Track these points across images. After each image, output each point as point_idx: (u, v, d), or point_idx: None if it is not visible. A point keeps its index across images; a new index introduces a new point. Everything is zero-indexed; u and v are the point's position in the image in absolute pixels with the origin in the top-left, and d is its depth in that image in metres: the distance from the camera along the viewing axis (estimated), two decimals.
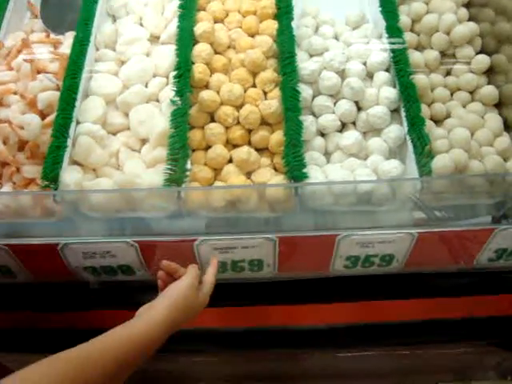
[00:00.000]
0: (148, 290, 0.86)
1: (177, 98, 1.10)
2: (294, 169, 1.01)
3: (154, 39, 1.28)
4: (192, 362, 1.37)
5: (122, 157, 1.13)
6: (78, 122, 1.13)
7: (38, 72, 1.19)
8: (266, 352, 1.28)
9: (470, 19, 1.28)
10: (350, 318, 1.20)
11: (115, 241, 0.96)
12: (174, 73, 1.13)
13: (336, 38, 1.29)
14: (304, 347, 1.28)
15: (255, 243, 0.95)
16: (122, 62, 1.23)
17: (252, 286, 1.07)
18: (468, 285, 1.14)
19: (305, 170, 1.01)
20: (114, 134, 1.17)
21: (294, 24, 1.24)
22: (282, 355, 1.36)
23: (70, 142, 1.08)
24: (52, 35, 1.32)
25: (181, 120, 1.08)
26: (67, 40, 1.27)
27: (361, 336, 1.26)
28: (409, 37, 1.26)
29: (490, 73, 1.24)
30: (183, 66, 1.13)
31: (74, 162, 1.10)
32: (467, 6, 1.30)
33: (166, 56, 1.21)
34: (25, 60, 1.19)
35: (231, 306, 1.12)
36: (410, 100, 1.11)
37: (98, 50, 1.26)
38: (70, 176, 1.05)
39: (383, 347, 1.35)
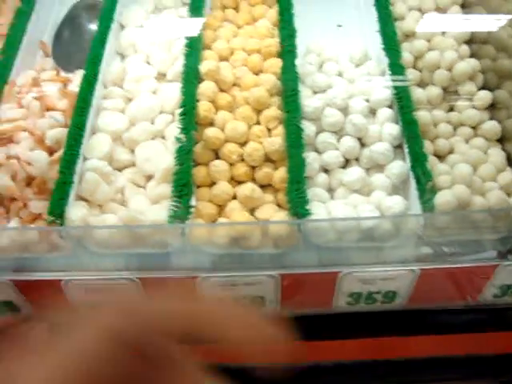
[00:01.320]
0: None
1: (182, 136, 1.11)
2: (297, 205, 1.02)
3: (161, 77, 1.30)
4: None
5: (127, 193, 1.14)
6: (84, 159, 1.15)
7: (47, 109, 1.22)
8: None
9: (472, 56, 1.29)
10: (354, 355, 1.19)
11: (119, 277, 0.97)
12: (180, 110, 1.15)
13: (340, 74, 1.31)
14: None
15: (257, 280, 0.96)
16: (129, 100, 1.26)
17: None
18: (473, 321, 1.13)
19: (308, 207, 1.02)
20: (120, 170, 1.19)
21: (298, 61, 1.27)
22: None
23: (76, 178, 1.10)
24: (62, 73, 1.35)
25: (185, 157, 1.09)
26: (76, 78, 1.30)
27: (366, 373, 1.25)
28: (411, 73, 1.28)
29: (492, 108, 1.25)
30: (188, 104, 1.15)
31: (81, 198, 1.11)
32: (468, 42, 1.32)
33: (172, 93, 1.23)
34: (34, 98, 1.22)
35: None
36: (412, 136, 1.13)
37: (106, 87, 1.28)
38: (75, 212, 1.06)
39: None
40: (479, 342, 1.16)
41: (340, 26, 1.45)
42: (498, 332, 1.15)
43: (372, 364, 1.20)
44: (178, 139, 1.11)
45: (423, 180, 1.07)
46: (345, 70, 1.30)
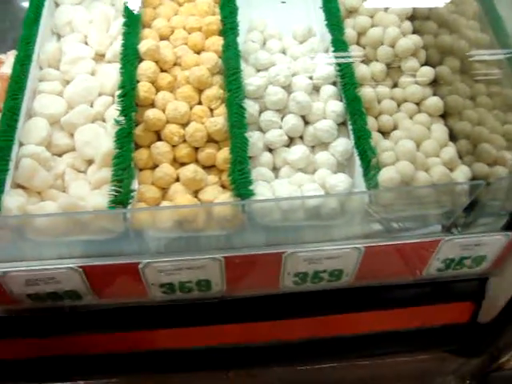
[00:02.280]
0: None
1: (121, 118, 1.08)
2: (240, 186, 1.00)
3: (100, 57, 1.26)
4: None
5: (67, 178, 1.11)
6: (21, 144, 1.10)
7: None
8: (223, 371, 1.26)
9: (414, 32, 1.29)
10: (307, 332, 1.19)
11: (59, 267, 0.94)
12: (119, 92, 1.11)
13: (283, 52, 1.29)
14: (262, 363, 1.27)
15: (200, 264, 0.94)
16: (67, 82, 1.21)
17: (202, 306, 1.06)
18: (420, 295, 1.15)
19: (251, 187, 1.01)
20: (60, 155, 1.14)
21: (240, 39, 1.24)
22: (242, 372, 1.35)
23: (12, 165, 1.05)
24: None
25: (125, 140, 1.06)
26: (9, 59, 1.25)
27: (320, 350, 1.26)
28: (355, 50, 1.27)
29: (435, 84, 1.26)
30: (128, 85, 1.11)
31: (18, 186, 1.07)
32: (411, 18, 1.31)
33: (112, 74, 1.19)
34: None
35: (186, 327, 1.10)
36: (355, 113, 1.12)
37: (41, 69, 1.23)
38: (12, 200, 1.02)
39: (342, 360, 1.35)
40: (425, 314, 1.18)
41: (284, 2, 1.43)
42: (443, 304, 1.17)
43: (322, 341, 1.21)
44: (117, 122, 1.08)
45: (367, 157, 1.07)
46: (288, 47, 1.28)
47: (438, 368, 1.51)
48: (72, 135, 1.15)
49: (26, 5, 1.32)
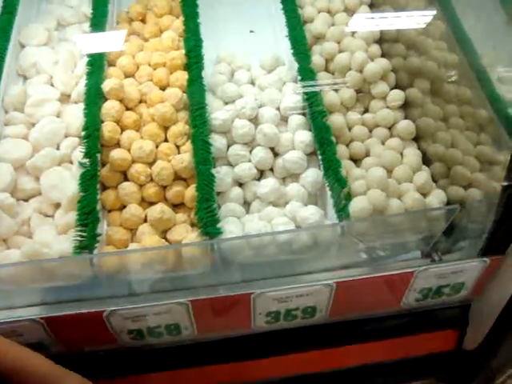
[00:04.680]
0: None
1: (85, 160, 1.06)
2: (208, 225, 0.98)
3: (65, 98, 1.24)
4: None
5: (33, 224, 1.08)
6: None
7: None
8: None
9: (383, 55, 1.28)
10: (288, 370, 1.16)
11: (20, 319, 0.91)
12: (83, 133, 1.10)
13: (252, 82, 1.28)
14: None
15: (167, 309, 0.91)
16: (32, 125, 1.19)
17: (172, 350, 1.03)
18: (401, 326, 1.12)
19: (219, 225, 0.98)
20: (26, 200, 1.12)
21: (208, 71, 1.23)
22: None
23: None
24: None
25: (90, 183, 1.04)
26: None
27: None
28: (323, 77, 1.26)
29: (406, 107, 1.24)
30: (91, 126, 1.10)
31: None
32: (379, 42, 1.30)
33: (77, 115, 1.17)
34: None
35: (159, 371, 1.07)
36: (324, 142, 1.10)
37: (6, 113, 1.21)
38: None
39: None
40: (409, 344, 1.15)
41: (252, 31, 1.42)
42: (426, 333, 1.14)
43: (305, 378, 1.18)
44: (81, 164, 1.06)
45: (337, 187, 1.04)
46: (257, 77, 1.26)
47: None
48: (38, 179, 1.12)
49: None
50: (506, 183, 0.92)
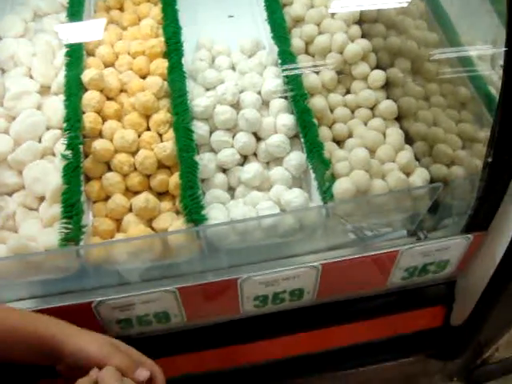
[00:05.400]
0: None
1: (68, 152, 1.05)
2: (193, 212, 0.98)
3: (45, 90, 1.23)
4: None
5: (18, 218, 1.08)
6: None
7: None
8: None
9: (363, 36, 1.28)
10: (280, 353, 1.17)
11: None
12: (64, 125, 1.09)
13: (233, 67, 1.27)
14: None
15: (155, 297, 0.92)
16: (13, 118, 1.18)
17: (162, 338, 1.03)
18: (388, 304, 1.13)
19: (204, 212, 0.99)
20: (10, 194, 1.12)
21: (189, 58, 1.22)
22: None
23: None
24: None
25: (73, 174, 1.04)
26: None
27: (298, 367, 1.24)
28: (304, 59, 1.25)
29: (387, 87, 1.24)
30: (72, 117, 1.09)
31: None
32: (359, 23, 1.30)
33: (58, 107, 1.16)
34: None
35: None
36: (306, 125, 1.10)
37: None
38: None
39: (323, 373, 1.33)
40: (397, 323, 1.17)
41: (231, 16, 1.41)
42: (413, 311, 1.15)
43: (297, 359, 1.19)
44: (63, 156, 1.05)
45: (321, 169, 1.05)
46: (237, 62, 1.26)
47: (423, 369, 1.49)
48: (21, 173, 1.12)
49: None
50: (488, 160, 0.93)
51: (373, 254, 0.98)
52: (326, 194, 1.03)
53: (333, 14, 1.31)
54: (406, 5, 1.26)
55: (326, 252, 1.05)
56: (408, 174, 1.12)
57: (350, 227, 1.07)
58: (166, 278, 0.97)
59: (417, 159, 1.15)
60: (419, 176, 1.11)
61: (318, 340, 1.14)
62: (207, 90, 1.21)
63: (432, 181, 1.12)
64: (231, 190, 1.12)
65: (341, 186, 1.03)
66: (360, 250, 1.00)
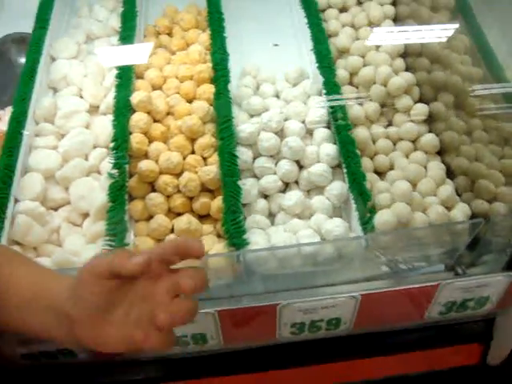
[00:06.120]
0: None
1: (114, 171, 1.08)
2: (234, 236, 0.99)
3: (94, 110, 1.27)
4: None
5: (62, 233, 1.11)
6: (16, 201, 1.11)
7: None
8: None
9: (407, 69, 1.29)
10: (310, 381, 1.17)
11: None
12: (112, 144, 1.12)
13: (277, 95, 1.29)
14: None
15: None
16: (62, 136, 1.22)
17: (198, 360, 1.04)
18: (424, 339, 1.12)
19: (245, 237, 1.00)
20: (55, 209, 1.15)
21: (234, 84, 1.25)
22: None
23: (8, 222, 1.06)
24: None
25: (118, 193, 1.06)
26: (6, 115, 1.26)
27: None
28: (348, 90, 1.27)
29: (429, 121, 1.25)
30: (120, 137, 1.12)
31: (14, 242, 1.07)
32: (403, 56, 1.31)
33: (106, 126, 1.20)
34: None
35: (180, 381, 1.08)
36: (349, 155, 1.11)
37: (37, 124, 1.24)
38: None
39: None
40: (432, 358, 1.15)
41: (276, 45, 1.44)
42: (449, 347, 1.14)
43: None
44: (110, 175, 1.08)
45: (362, 201, 1.05)
46: (281, 91, 1.28)
47: None
48: (67, 189, 1.15)
49: (23, 60, 1.34)
50: None
51: (412, 286, 0.98)
52: (367, 224, 1.03)
53: (377, 47, 1.32)
54: (450, 39, 1.28)
55: (364, 283, 1.04)
56: (449, 209, 1.11)
57: (385, 259, 1.07)
58: (201, 299, 0.97)
59: (458, 194, 1.15)
60: (460, 211, 1.11)
61: (352, 371, 1.13)
62: (251, 116, 1.23)
63: (473, 216, 1.11)
64: (271, 216, 1.12)
65: (382, 218, 1.03)
66: (399, 282, 1.00)
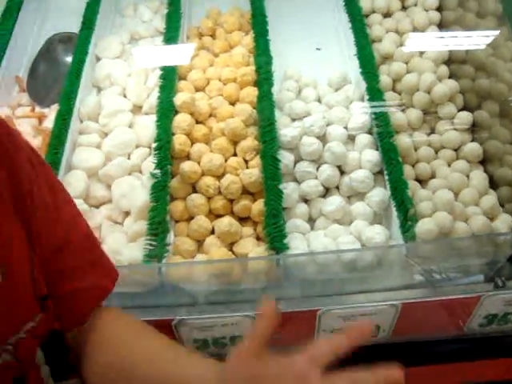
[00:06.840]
0: None
1: (157, 171, 1.09)
2: (275, 240, 1.00)
3: (137, 109, 1.28)
4: None
5: (104, 231, 1.12)
6: None
7: None
8: None
9: (451, 76, 1.28)
10: None
11: None
12: (155, 145, 1.13)
13: (319, 99, 1.29)
14: None
15: (235, 321, 0.93)
16: (105, 134, 1.24)
17: None
18: (462, 351, 1.11)
19: (285, 241, 1.00)
20: (97, 206, 1.17)
21: (276, 87, 1.25)
22: None
23: None
24: (38, 108, 1.34)
25: (161, 193, 1.07)
26: (52, 113, 1.29)
27: None
28: (391, 97, 1.26)
29: (473, 129, 1.23)
30: (163, 138, 1.13)
31: None
32: (447, 62, 1.30)
33: (148, 126, 1.21)
34: None
35: None
36: (391, 163, 1.11)
37: (81, 122, 1.26)
38: None
39: None
40: (468, 370, 1.13)
41: (319, 49, 1.44)
42: (487, 360, 1.12)
43: None
44: (152, 175, 1.10)
45: (403, 208, 1.05)
46: (324, 95, 1.28)
47: None
48: (109, 187, 1.17)
49: (69, 59, 1.36)
50: None
51: (453, 297, 0.97)
52: (408, 233, 1.02)
53: (421, 53, 1.31)
54: (496, 46, 1.26)
55: (402, 291, 1.03)
56: (491, 219, 1.10)
57: (421, 268, 1.06)
58: (235, 302, 0.98)
59: (501, 205, 1.13)
60: (503, 222, 1.09)
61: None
62: (293, 120, 1.23)
63: None
64: (311, 220, 1.12)
65: (424, 227, 1.02)
66: (436, 291, 0.99)
